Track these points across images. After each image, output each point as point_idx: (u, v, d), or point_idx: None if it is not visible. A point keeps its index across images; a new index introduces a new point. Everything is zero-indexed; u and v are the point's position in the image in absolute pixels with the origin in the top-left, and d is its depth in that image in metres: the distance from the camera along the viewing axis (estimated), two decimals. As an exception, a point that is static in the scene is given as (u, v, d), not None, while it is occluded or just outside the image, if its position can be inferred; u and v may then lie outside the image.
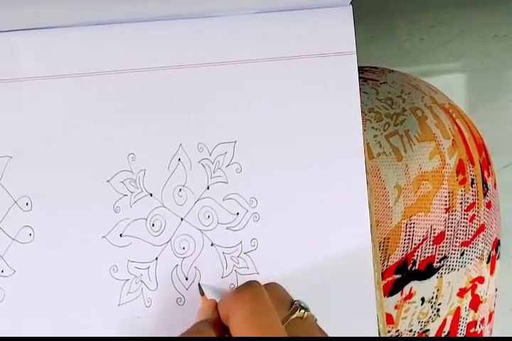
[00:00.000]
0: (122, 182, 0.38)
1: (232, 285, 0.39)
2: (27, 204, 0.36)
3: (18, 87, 0.36)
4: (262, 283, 0.37)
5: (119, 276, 0.38)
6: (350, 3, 0.39)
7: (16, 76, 0.36)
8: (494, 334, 0.58)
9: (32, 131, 0.36)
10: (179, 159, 0.39)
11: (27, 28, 0.36)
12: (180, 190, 0.39)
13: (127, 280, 0.38)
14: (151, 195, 0.38)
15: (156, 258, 0.38)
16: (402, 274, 0.49)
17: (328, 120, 0.40)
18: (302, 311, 0.35)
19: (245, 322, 0.33)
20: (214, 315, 0.36)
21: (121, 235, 0.38)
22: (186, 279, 0.39)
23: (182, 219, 0.39)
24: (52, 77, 0.37)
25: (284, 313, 0.35)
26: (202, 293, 0.38)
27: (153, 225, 0.38)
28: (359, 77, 0.54)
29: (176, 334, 0.38)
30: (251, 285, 0.35)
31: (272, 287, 0.36)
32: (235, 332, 0.34)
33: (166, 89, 0.38)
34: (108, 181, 0.38)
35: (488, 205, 0.54)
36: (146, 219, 0.38)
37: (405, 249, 0.49)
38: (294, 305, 0.36)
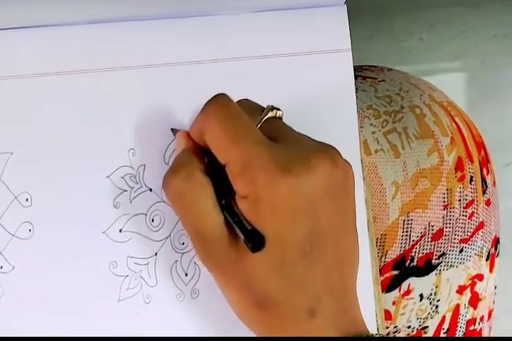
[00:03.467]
0: (122, 177, 0.38)
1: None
2: (27, 200, 0.36)
3: (19, 84, 0.36)
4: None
5: (118, 272, 0.38)
6: (345, 2, 0.40)
7: (17, 73, 0.36)
8: (494, 334, 0.58)
9: (32, 128, 0.37)
10: (178, 154, 0.39)
11: (26, 26, 0.36)
12: (179, 185, 0.39)
13: (127, 276, 0.38)
14: (150, 190, 0.38)
15: (156, 254, 0.38)
16: (399, 270, 0.49)
17: (324, 117, 0.40)
18: (275, 111, 0.35)
19: (218, 130, 0.33)
20: (189, 142, 0.36)
21: (120, 230, 0.38)
22: (186, 275, 0.39)
23: (181, 214, 0.39)
24: (52, 74, 0.37)
25: (258, 118, 0.35)
26: (175, 132, 0.38)
27: (152, 220, 0.38)
28: (358, 75, 0.54)
29: (176, 331, 0.38)
30: (216, 97, 0.35)
31: (241, 101, 0.36)
32: (212, 144, 0.34)
33: (166, 85, 0.39)
34: (108, 177, 0.38)
35: (488, 203, 0.54)
36: (146, 215, 0.38)
37: (403, 245, 0.49)
38: (266, 108, 0.36)
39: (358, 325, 0.35)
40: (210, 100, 0.35)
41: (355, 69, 0.42)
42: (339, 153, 0.34)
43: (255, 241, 0.32)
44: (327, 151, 0.34)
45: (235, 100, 0.35)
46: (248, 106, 0.36)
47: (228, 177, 0.33)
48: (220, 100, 0.34)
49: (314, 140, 0.35)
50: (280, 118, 0.36)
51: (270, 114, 0.35)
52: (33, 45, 0.37)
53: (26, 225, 0.36)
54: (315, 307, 0.33)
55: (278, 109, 0.36)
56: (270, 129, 0.34)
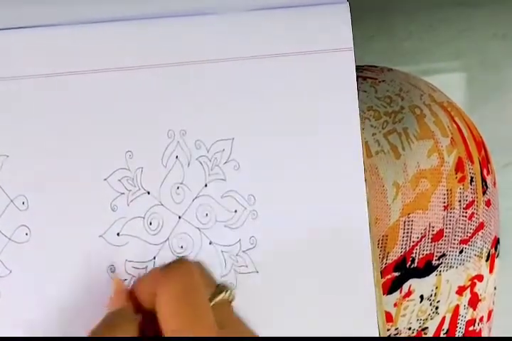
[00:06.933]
0: (119, 180, 0.38)
1: (232, 284, 0.39)
2: (23, 203, 0.36)
3: (15, 85, 0.36)
4: (261, 281, 0.37)
5: (116, 276, 0.38)
6: (347, 0, 0.40)
7: (12, 74, 0.36)
8: (494, 334, 0.58)
9: (28, 130, 0.36)
10: (176, 156, 0.39)
11: (23, 26, 0.36)
12: (177, 187, 0.39)
13: (125, 280, 0.38)
14: (148, 192, 0.38)
15: (154, 258, 0.38)
16: (400, 272, 0.49)
17: (325, 117, 0.40)
18: (229, 292, 0.34)
19: (175, 302, 0.32)
20: (129, 301, 0.35)
21: (118, 234, 0.38)
22: (184, 278, 0.39)
23: (180, 217, 0.39)
24: (48, 75, 0.37)
25: (210, 291, 0.34)
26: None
27: (150, 224, 0.38)
28: (358, 76, 0.54)
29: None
30: (181, 261, 0.34)
31: (199, 265, 0.35)
32: (162, 312, 0.33)
33: (163, 86, 0.38)
34: (105, 179, 0.37)
35: (488, 203, 0.54)
36: (144, 218, 0.38)
37: (404, 246, 0.49)
38: (220, 286, 0.35)
39: None
40: (174, 263, 0.34)
41: (356, 69, 0.42)
42: None
43: None
44: None
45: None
46: (202, 274, 0.35)
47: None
48: (184, 268, 0.34)
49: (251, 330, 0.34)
50: (231, 301, 0.35)
51: (223, 296, 0.34)
52: (30, 46, 0.36)
53: (23, 229, 0.36)
54: None
55: (231, 290, 0.34)
56: (218, 312, 0.33)
